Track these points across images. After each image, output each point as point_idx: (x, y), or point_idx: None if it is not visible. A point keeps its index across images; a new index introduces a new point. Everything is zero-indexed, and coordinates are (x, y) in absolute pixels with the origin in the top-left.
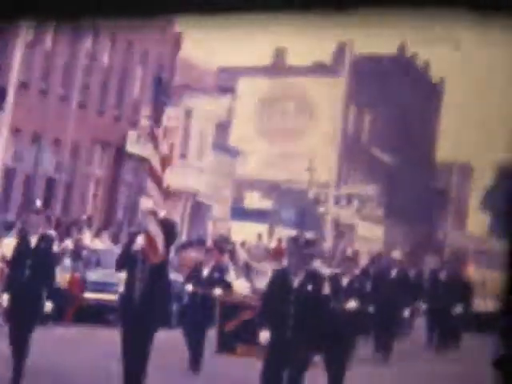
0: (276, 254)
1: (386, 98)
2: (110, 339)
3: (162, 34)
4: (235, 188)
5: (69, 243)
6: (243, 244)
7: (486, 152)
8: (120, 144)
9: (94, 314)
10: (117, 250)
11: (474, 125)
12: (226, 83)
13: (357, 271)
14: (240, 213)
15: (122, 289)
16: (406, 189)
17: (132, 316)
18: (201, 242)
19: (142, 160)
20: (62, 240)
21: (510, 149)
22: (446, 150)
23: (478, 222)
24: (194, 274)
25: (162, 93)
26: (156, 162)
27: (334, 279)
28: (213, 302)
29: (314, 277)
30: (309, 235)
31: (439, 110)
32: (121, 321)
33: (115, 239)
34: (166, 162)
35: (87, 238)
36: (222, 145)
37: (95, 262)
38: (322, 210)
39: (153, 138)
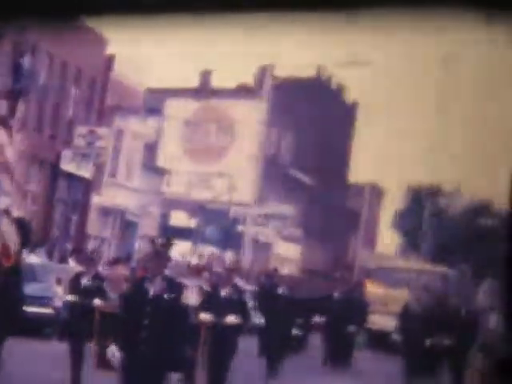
0: (197, 270)
1: (303, 120)
2: (45, 351)
3: (96, 55)
4: (162, 207)
5: None
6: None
7: (396, 174)
8: (55, 162)
9: (31, 327)
10: (52, 265)
11: (385, 147)
12: (154, 104)
13: (240, 284)
14: (166, 231)
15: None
16: (322, 209)
17: None
18: (128, 259)
19: (76, 178)
20: None
21: (420, 171)
22: (358, 171)
23: (387, 241)
24: (74, 284)
25: (19, 80)
26: (10, 155)
27: (211, 291)
28: (93, 312)
29: (172, 284)
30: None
31: (353, 131)
32: None
33: (50, 254)
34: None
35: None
36: (150, 164)
37: (31, 277)
38: (241, 229)
39: (6, 129)
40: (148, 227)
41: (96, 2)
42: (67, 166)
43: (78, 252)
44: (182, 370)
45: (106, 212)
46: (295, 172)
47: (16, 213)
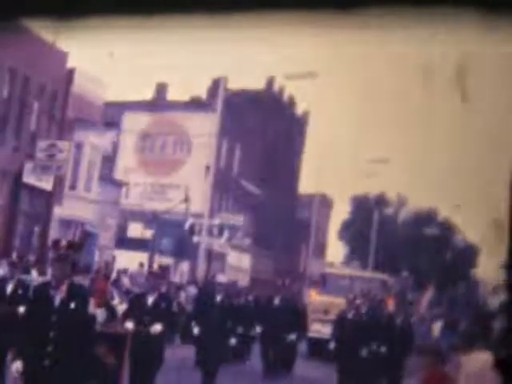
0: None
1: (254, 131)
2: None
3: (57, 69)
4: (120, 218)
5: None
6: (125, 271)
7: (344, 185)
8: (18, 174)
9: None
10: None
11: (334, 158)
12: (112, 117)
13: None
14: (123, 242)
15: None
16: (272, 219)
17: None
18: (87, 269)
19: (38, 190)
20: None
21: (366, 181)
22: (308, 182)
23: (335, 251)
24: None
25: None
26: None
27: (137, 298)
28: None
29: (78, 291)
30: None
31: (303, 142)
32: None
33: (13, 266)
34: None
35: None
36: (107, 176)
37: None
38: (196, 239)
39: None
40: (106, 239)
41: (54, 16)
42: (29, 178)
43: (41, 263)
44: None
45: (66, 223)
46: (245, 183)
47: None
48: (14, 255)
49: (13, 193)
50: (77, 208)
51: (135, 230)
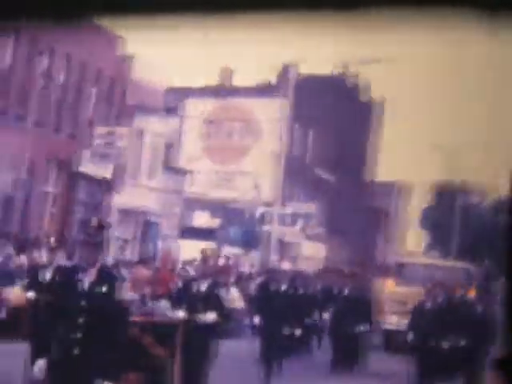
0: (223, 271)
1: (328, 118)
2: None
3: (115, 55)
4: (184, 207)
5: (24, 260)
6: (191, 262)
7: (424, 172)
8: (74, 163)
9: None
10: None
11: (412, 145)
12: (174, 104)
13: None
14: (189, 231)
15: None
16: (348, 207)
17: None
18: (151, 260)
19: (96, 179)
20: (18, 257)
21: (446, 170)
22: (385, 169)
23: (416, 239)
24: (34, 280)
25: None
26: None
27: (189, 284)
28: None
29: (108, 275)
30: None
31: (379, 129)
32: None
33: (71, 256)
34: None
35: (44, 255)
36: (171, 164)
37: None
38: (267, 228)
39: None
40: (170, 228)
41: (113, 2)
42: (87, 166)
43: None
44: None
45: (127, 213)
46: (319, 170)
47: None
48: (52, 240)
49: (69, 182)
50: (138, 197)
51: (201, 218)
